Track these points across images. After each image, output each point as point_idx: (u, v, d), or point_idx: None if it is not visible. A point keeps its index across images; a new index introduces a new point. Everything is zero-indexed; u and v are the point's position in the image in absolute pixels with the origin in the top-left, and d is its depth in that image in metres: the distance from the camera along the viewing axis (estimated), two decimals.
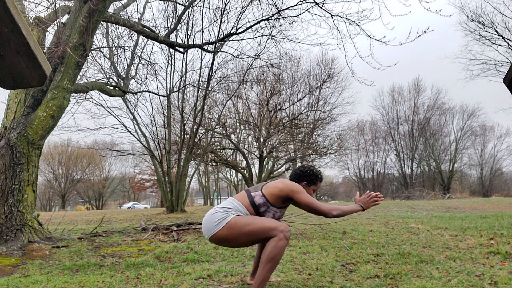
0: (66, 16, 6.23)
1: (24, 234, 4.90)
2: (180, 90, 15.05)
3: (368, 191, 2.73)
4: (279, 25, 9.74)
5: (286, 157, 19.61)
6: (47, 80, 3.92)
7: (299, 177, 2.77)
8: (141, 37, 11.43)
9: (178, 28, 11.65)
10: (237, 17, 11.22)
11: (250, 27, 10.02)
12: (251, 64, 13.32)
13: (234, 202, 2.55)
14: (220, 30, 11.77)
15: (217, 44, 10.95)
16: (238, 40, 11.12)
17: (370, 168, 42.25)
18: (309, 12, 8.69)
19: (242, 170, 19.32)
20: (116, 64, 11.11)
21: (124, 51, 11.11)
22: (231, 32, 10.64)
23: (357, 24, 8.18)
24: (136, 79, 11.93)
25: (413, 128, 40.29)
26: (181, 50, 10.92)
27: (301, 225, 6.53)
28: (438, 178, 39.19)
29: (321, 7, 8.17)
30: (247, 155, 18.19)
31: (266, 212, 2.55)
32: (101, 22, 6.67)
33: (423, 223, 6.49)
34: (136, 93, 13.11)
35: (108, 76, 10.95)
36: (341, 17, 8.27)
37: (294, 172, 2.81)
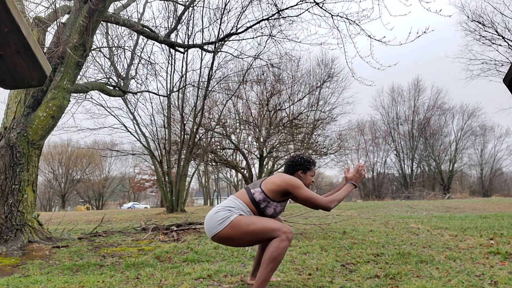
0: (66, 16, 6.23)
1: (24, 234, 4.90)
2: (180, 90, 15.05)
3: (357, 163, 2.74)
4: (279, 25, 9.75)
5: (286, 157, 19.60)
6: (47, 80, 3.91)
7: (293, 168, 2.76)
8: (141, 37, 11.43)
9: (178, 28, 11.65)
10: (237, 17, 11.24)
11: (250, 27, 10.02)
12: (251, 64, 13.33)
13: (236, 200, 2.55)
14: (220, 30, 11.79)
15: (217, 44, 10.95)
16: (238, 40, 11.13)
17: (370, 168, 42.24)
18: (309, 12, 8.70)
19: (242, 170, 19.32)
20: (116, 64, 11.12)
21: (124, 51, 11.12)
22: (231, 32, 10.64)
23: (357, 24, 8.18)
24: (136, 79, 11.95)
25: (413, 128, 40.31)
26: (181, 50, 10.92)
27: (301, 225, 6.53)
28: (438, 178, 39.20)
29: (321, 7, 8.17)
30: (247, 155, 18.19)
31: (267, 208, 2.56)
32: (101, 22, 6.67)
33: (423, 223, 6.49)
34: (136, 93, 13.12)
35: (108, 76, 10.95)
36: (341, 17, 8.28)
37: (287, 165, 2.80)
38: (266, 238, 2.39)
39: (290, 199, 2.73)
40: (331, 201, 2.53)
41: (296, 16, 9.20)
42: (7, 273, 3.61)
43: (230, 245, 2.58)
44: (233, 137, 18.60)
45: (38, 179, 5.55)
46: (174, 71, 15.05)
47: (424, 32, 7.52)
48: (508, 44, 16.91)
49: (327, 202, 2.52)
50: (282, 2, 13.73)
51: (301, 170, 2.75)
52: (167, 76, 15.25)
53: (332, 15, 8.28)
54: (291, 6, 8.98)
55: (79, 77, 7.45)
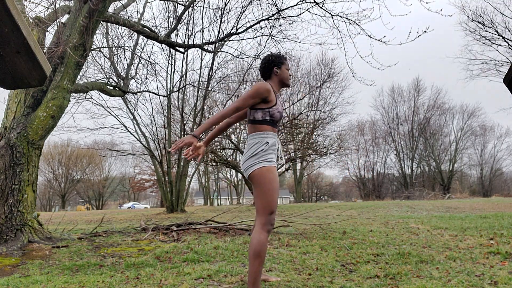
0: (66, 16, 6.23)
1: (24, 234, 4.90)
2: (180, 90, 15.05)
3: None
4: (279, 25, 9.74)
5: (286, 157, 19.60)
6: (47, 80, 3.92)
7: (266, 68, 2.75)
8: (141, 37, 11.43)
9: (178, 28, 11.65)
10: (237, 17, 11.22)
11: (250, 27, 10.02)
12: (251, 64, 13.32)
13: (263, 134, 2.54)
14: (220, 30, 11.79)
15: (217, 44, 10.95)
16: (238, 40, 11.13)
17: (370, 168, 42.29)
18: (309, 12, 8.70)
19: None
20: (116, 64, 11.12)
21: (124, 51, 11.13)
22: (231, 32, 10.64)
23: (357, 24, 8.18)
24: (136, 79, 11.96)
25: (413, 128, 40.33)
26: (181, 50, 10.91)
27: (301, 225, 6.53)
28: (438, 178, 39.20)
29: (321, 7, 8.17)
30: None
31: (264, 115, 2.55)
32: (101, 22, 6.67)
33: (423, 223, 6.49)
34: (136, 93, 13.12)
35: (108, 76, 10.95)
36: (341, 17, 8.27)
37: (261, 67, 2.78)
38: (260, 206, 2.43)
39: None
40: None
41: (296, 16, 9.20)
42: (7, 273, 3.61)
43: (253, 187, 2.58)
44: (233, 137, 18.60)
45: (38, 179, 5.55)
46: (174, 71, 15.06)
47: (424, 31, 7.52)
48: (508, 44, 16.91)
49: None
50: (282, 2, 13.75)
51: (275, 66, 2.75)
52: (167, 76, 15.27)
53: (332, 15, 8.28)
54: (291, 6, 8.98)
55: (79, 77, 7.46)
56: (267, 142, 2.52)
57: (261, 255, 2.35)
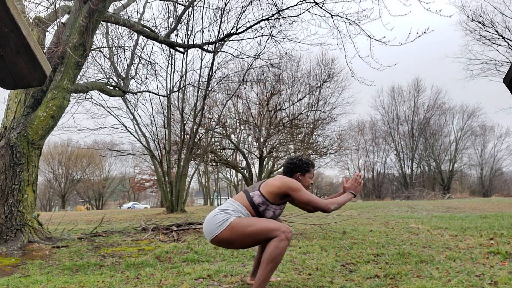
0: (66, 16, 6.23)
1: (24, 234, 4.90)
2: (180, 90, 15.05)
3: (355, 173, 2.74)
4: (279, 25, 9.75)
5: (286, 157, 19.60)
6: (47, 80, 3.91)
7: (291, 170, 2.76)
8: (141, 37, 11.43)
9: (178, 28, 11.66)
10: (237, 17, 11.23)
11: (250, 27, 10.02)
12: (251, 64, 13.33)
13: (234, 203, 2.55)
14: (220, 30, 11.79)
15: (217, 44, 10.95)
16: (238, 40, 11.13)
17: (370, 168, 42.28)
18: (309, 12, 8.70)
19: (242, 170, 19.32)
20: (116, 64, 11.12)
21: (124, 51, 11.13)
22: (231, 32, 10.64)
23: (357, 24, 8.18)
24: (136, 79, 11.96)
25: (413, 128, 40.31)
26: (181, 50, 10.92)
27: (301, 225, 6.53)
28: (438, 178, 39.20)
29: (321, 7, 8.17)
30: (247, 155, 18.19)
31: (266, 211, 2.56)
32: (101, 22, 6.67)
33: (423, 223, 6.49)
34: (136, 93, 13.12)
35: (108, 76, 10.96)
36: (341, 17, 8.28)
37: (285, 167, 2.80)
38: (265, 238, 2.39)
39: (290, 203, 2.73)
40: (331, 203, 2.54)
41: (296, 16, 9.20)
42: (7, 273, 3.61)
43: (230, 247, 2.59)
44: (233, 137, 18.60)
45: (38, 179, 5.55)
46: (174, 71, 15.07)
47: (424, 32, 7.52)
48: (508, 44, 16.90)
49: (327, 204, 2.53)
50: (282, 2, 13.74)
51: (299, 172, 2.74)
52: (167, 76, 15.27)
53: (332, 15, 8.29)
54: (291, 6, 8.98)
55: (79, 77, 7.45)
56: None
57: (276, 260, 2.34)
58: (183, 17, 11.29)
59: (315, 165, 3.01)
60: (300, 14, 9.02)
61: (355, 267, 3.33)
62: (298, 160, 2.77)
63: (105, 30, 11.03)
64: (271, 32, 9.97)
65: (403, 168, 40.78)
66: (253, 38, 10.84)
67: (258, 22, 9.79)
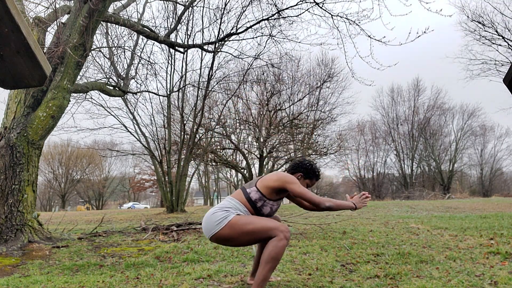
0: (66, 16, 6.23)
1: (24, 234, 4.90)
2: (180, 90, 15.05)
3: (363, 192, 2.74)
4: (279, 25, 9.74)
5: (286, 157, 19.60)
6: (47, 80, 3.91)
7: (297, 168, 2.78)
8: (141, 37, 11.43)
9: (178, 28, 11.65)
10: (237, 17, 11.22)
11: (250, 27, 10.01)
12: (251, 64, 13.32)
13: (232, 201, 2.56)
14: (220, 30, 11.78)
15: (217, 44, 10.94)
16: (238, 40, 11.12)
17: (370, 168, 42.25)
18: (309, 12, 8.70)
19: (242, 170, 19.31)
20: (116, 64, 11.11)
21: (124, 51, 11.12)
22: (231, 32, 10.63)
23: (357, 24, 8.18)
24: (136, 79, 11.95)
25: (413, 128, 40.28)
26: (181, 50, 10.91)
27: (301, 225, 6.52)
28: (438, 178, 39.18)
29: (321, 7, 8.17)
30: (247, 155, 18.18)
31: (263, 207, 2.57)
32: (101, 22, 6.67)
33: (423, 223, 6.49)
34: (136, 93, 13.12)
35: (108, 76, 10.95)
36: (341, 17, 8.27)
37: (293, 163, 2.82)
38: (264, 237, 2.40)
39: (288, 200, 2.74)
40: (327, 200, 2.54)
41: (296, 16, 9.20)
42: (7, 273, 3.61)
43: (229, 245, 2.60)
44: (233, 137, 18.59)
45: (38, 179, 5.55)
46: (174, 71, 15.07)
47: (424, 32, 7.53)
48: (508, 44, 16.90)
49: (322, 199, 2.52)
50: (282, 2, 13.76)
51: (302, 173, 2.76)
52: (167, 76, 15.28)
53: (332, 15, 8.28)
54: (291, 6, 8.98)
55: (79, 77, 7.45)
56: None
57: (275, 260, 2.34)
58: (183, 17, 11.28)
59: (320, 179, 3.03)
60: (300, 14, 9.02)
61: (355, 267, 3.33)
62: (309, 163, 2.79)
63: (105, 30, 11.02)
64: (271, 32, 9.97)
65: (403, 168, 40.78)
66: (253, 38, 10.85)
67: (258, 22, 9.79)
